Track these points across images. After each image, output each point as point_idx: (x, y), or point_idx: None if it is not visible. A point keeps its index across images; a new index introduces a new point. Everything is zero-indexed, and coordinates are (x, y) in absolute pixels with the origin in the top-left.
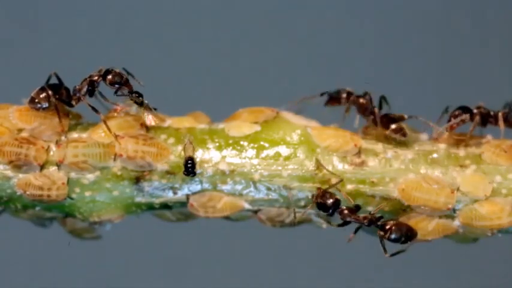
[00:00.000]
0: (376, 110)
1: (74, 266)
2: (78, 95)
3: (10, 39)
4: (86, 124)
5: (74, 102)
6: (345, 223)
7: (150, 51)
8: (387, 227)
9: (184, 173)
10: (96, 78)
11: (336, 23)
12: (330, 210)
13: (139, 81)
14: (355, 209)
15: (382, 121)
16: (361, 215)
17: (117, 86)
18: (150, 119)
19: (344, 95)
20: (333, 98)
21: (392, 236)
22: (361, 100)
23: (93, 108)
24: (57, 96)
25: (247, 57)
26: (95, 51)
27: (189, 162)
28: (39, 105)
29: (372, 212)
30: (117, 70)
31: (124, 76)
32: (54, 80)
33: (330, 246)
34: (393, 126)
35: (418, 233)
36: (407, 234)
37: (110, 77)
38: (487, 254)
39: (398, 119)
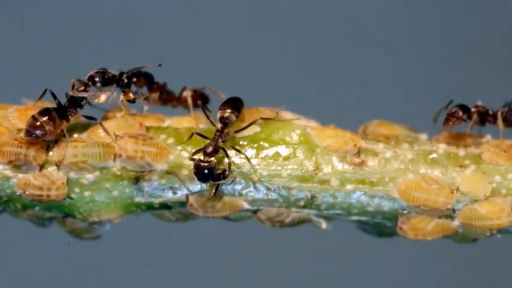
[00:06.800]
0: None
1: (74, 266)
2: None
3: (10, 39)
4: (86, 124)
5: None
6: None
7: (150, 51)
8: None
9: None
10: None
11: (336, 22)
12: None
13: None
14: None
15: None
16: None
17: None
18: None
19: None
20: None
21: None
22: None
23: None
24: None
25: (247, 57)
26: (95, 50)
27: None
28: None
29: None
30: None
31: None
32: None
33: (329, 246)
34: None
35: None
36: None
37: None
38: (487, 254)
39: None
